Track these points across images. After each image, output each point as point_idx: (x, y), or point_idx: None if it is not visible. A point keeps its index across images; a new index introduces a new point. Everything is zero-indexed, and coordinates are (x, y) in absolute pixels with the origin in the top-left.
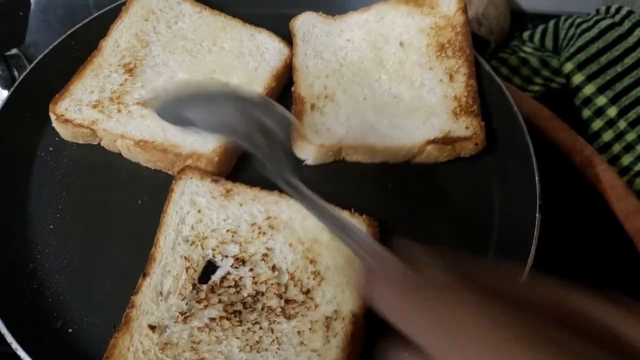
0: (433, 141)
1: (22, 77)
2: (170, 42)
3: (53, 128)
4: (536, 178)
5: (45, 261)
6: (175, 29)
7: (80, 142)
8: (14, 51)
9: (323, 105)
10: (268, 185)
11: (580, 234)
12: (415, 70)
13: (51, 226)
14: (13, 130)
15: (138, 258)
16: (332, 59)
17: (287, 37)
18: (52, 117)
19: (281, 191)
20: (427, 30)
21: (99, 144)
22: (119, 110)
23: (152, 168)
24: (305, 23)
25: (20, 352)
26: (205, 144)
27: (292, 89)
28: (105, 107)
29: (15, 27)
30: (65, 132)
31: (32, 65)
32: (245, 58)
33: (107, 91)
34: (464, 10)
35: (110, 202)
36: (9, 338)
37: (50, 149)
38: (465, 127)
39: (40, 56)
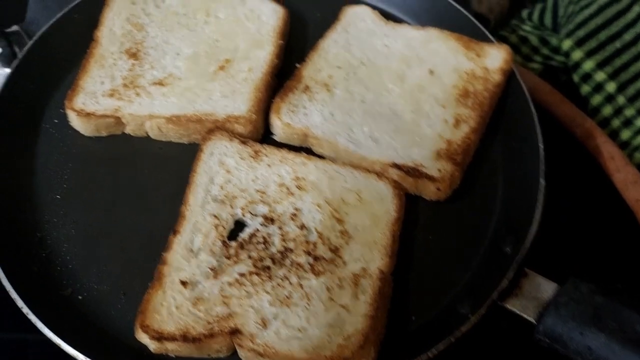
0: (398, 167)
1: (26, 49)
2: (164, 20)
3: (57, 100)
4: (540, 146)
5: (54, 230)
6: (164, 7)
7: (104, 134)
8: (14, 28)
9: (316, 92)
10: (295, 147)
11: (581, 205)
12: (428, 100)
13: (58, 196)
14: (18, 103)
15: (145, 226)
16: (358, 55)
17: None
18: (72, 114)
19: (308, 153)
20: (461, 72)
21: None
22: (138, 94)
23: (187, 143)
24: (357, 15)
25: (32, 317)
26: (238, 106)
27: (298, 65)
28: (122, 94)
29: (16, 3)
30: (87, 127)
31: (35, 38)
32: (244, 23)
33: (117, 79)
34: (505, 72)
35: (115, 171)
36: (20, 303)
37: (55, 121)
38: (437, 169)
39: (44, 28)
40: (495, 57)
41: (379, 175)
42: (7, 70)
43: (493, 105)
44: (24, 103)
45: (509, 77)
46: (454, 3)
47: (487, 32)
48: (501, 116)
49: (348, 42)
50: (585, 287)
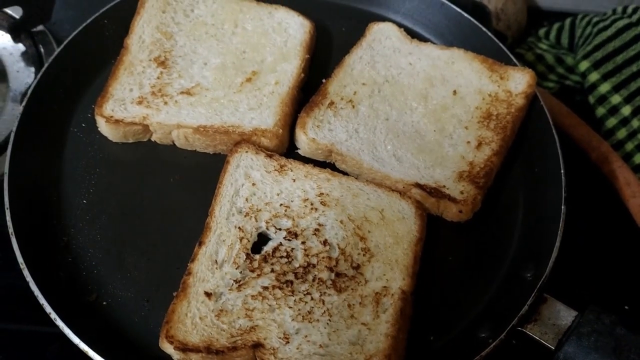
0: (421, 187)
1: (56, 53)
2: (192, 30)
3: (85, 104)
4: (562, 171)
5: (79, 235)
6: (194, 17)
7: (130, 141)
8: (40, 28)
9: (341, 108)
10: (319, 162)
11: (595, 229)
12: (452, 121)
13: (84, 201)
14: (46, 107)
15: (170, 234)
16: (383, 72)
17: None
18: (101, 120)
19: (333, 169)
20: (484, 95)
21: (148, 140)
22: (166, 103)
23: (212, 153)
24: (382, 32)
25: (59, 323)
26: (264, 119)
27: (323, 80)
28: (151, 102)
29: (43, 3)
30: (115, 134)
31: (65, 42)
32: (271, 35)
33: (146, 87)
34: (528, 97)
35: (142, 179)
36: (48, 309)
37: (83, 125)
38: (459, 191)
39: (74, 33)
40: (519, 81)
41: (402, 194)
42: (32, 69)
43: (515, 129)
44: (53, 107)
45: (532, 101)
46: (479, 25)
47: (511, 55)
48: (523, 140)
49: (373, 59)
50: (607, 318)
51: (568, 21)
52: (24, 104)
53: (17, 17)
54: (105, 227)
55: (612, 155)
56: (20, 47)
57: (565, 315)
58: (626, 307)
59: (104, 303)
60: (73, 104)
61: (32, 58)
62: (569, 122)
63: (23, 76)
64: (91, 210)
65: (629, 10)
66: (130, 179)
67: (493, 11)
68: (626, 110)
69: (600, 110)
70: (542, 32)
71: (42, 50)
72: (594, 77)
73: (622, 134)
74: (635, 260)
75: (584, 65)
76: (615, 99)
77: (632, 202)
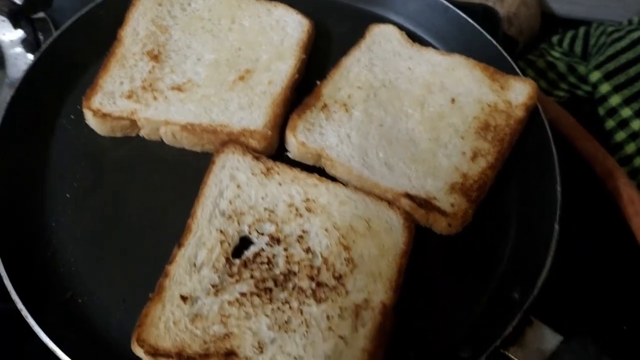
0: (411, 197)
1: (48, 43)
2: (188, 24)
3: (76, 96)
4: (558, 189)
5: (60, 230)
6: (190, 11)
7: (118, 135)
8: (40, 14)
9: (334, 111)
10: (309, 165)
11: (595, 246)
12: (448, 130)
13: (68, 195)
14: (36, 96)
15: (153, 232)
16: (380, 76)
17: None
18: (88, 113)
19: (321, 174)
20: (484, 104)
21: (137, 135)
22: (155, 98)
23: (200, 151)
24: (383, 34)
25: (30, 320)
26: (254, 120)
27: (318, 81)
28: (140, 97)
29: None
30: (102, 127)
31: (58, 32)
32: (268, 33)
33: (137, 80)
34: (528, 108)
35: (127, 175)
36: (19, 305)
37: (72, 117)
38: (450, 204)
39: (68, 23)
40: (519, 92)
41: (390, 204)
42: (31, 56)
43: (513, 141)
44: (42, 96)
45: (533, 114)
46: (482, 31)
47: (513, 64)
48: (520, 153)
49: (371, 62)
50: (592, 347)
51: (582, 29)
52: (12, 93)
53: (18, 2)
54: (86, 223)
55: (617, 172)
56: (20, 33)
57: (551, 340)
58: (625, 327)
59: (79, 301)
60: (63, 95)
61: (30, 45)
62: (575, 135)
63: (20, 63)
64: (74, 205)
65: None
66: (115, 174)
67: (505, 15)
68: (636, 125)
69: (610, 123)
70: (555, 39)
71: (41, 37)
72: (605, 88)
73: (630, 148)
74: (635, 279)
75: (595, 76)
76: (626, 112)
77: (635, 220)
